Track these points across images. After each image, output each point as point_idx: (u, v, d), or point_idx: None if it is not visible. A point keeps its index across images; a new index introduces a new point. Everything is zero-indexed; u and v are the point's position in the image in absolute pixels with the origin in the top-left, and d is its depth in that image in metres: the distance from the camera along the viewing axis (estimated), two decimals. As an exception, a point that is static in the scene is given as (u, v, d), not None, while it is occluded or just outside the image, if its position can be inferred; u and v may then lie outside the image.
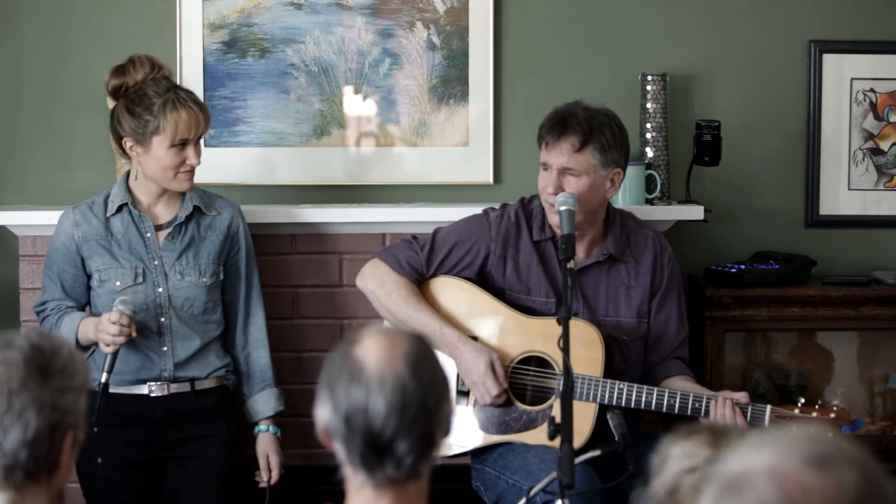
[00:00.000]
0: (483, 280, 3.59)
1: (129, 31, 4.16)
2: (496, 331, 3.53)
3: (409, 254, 3.62)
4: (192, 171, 3.53)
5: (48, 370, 2.01)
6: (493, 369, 3.46)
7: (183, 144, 3.49)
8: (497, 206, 3.69)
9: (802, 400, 3.36)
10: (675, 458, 1.91)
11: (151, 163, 3.51)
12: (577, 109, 3.49)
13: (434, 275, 3.60)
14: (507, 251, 3.58)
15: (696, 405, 3.33)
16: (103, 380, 3.38)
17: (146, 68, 3.52)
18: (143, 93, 3.49)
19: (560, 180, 3.45)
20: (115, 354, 3.39)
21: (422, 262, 3.60)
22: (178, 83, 3.61)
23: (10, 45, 4.17)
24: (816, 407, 3.34)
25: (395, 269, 3.60)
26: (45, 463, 1.99)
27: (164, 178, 3.53)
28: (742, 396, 3.33)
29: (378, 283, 3.61)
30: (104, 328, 3.39)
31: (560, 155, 3.46)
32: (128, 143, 3.52)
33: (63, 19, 4.17)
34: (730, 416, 3.26)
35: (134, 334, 3.41)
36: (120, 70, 3.54)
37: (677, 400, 3.34)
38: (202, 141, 3.62)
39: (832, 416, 3.31)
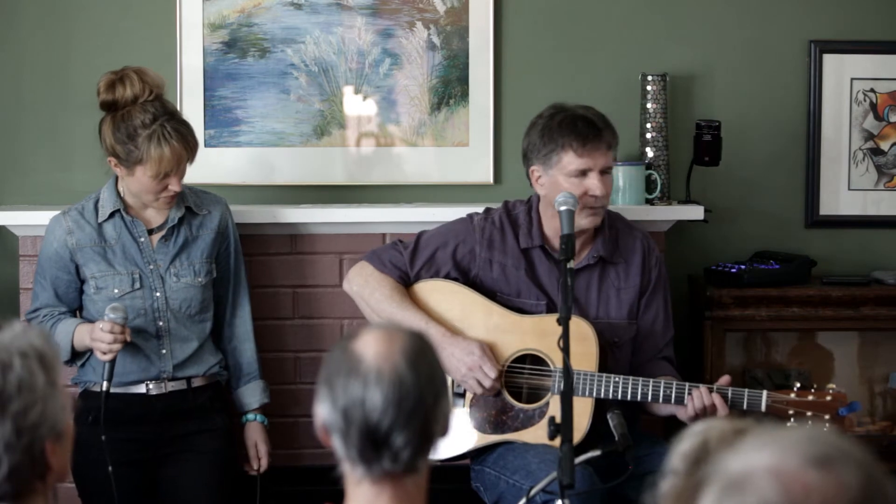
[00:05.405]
0: (471, 285, 3.58)
1: (129, 31, 4.16)
2: (489, 330, 3.52)
3: (393, 254, 3.62)
4: (172, 197, 3.52)
5: (4, 397, 1.89)
6: (486, 353, 3.46)
7: (165, 175, 3.48)
8: (480, 210, 3.68)
9: (798, 384, 3.36)
10: (692, 434, 1.82)
11: (134, 184, 3.52)
12: (583, 111, 3.50)
13: (418, 276, 3.60)
14: (492, 254, 3.57)
15: (692, 393, 3.35)
16: (104, 388, 3.40)
17: (136, 89, 3.47)
18: (129, 119, 3.45)
19: (603, 181, 3.46)
20: (112, 362, 3.41)
21: (405, 261, 3.60)
22: (167, 109, 3.50)
23: (11, 45, 4.17)
24: (812, 391, 3.33)
25: (379, 268, 3.60)
26: (32, 479, 1.93)
27: (145, 200, 3.54)
28: (724, 380, 3.34)
29: (362, 282, 3.61)
30: (98, 337, 3.41)
31: (601, 156, 3.46)
32: (112, 161, 3.51)
33: (63, 19, 4.17)
34: (709, 402, 3.27)
35: (128, 339, 3.42)
36: (111, 86, 3.49)
37: (673, 389, 3.34)
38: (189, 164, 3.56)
39: (828, 398, 3.31)
